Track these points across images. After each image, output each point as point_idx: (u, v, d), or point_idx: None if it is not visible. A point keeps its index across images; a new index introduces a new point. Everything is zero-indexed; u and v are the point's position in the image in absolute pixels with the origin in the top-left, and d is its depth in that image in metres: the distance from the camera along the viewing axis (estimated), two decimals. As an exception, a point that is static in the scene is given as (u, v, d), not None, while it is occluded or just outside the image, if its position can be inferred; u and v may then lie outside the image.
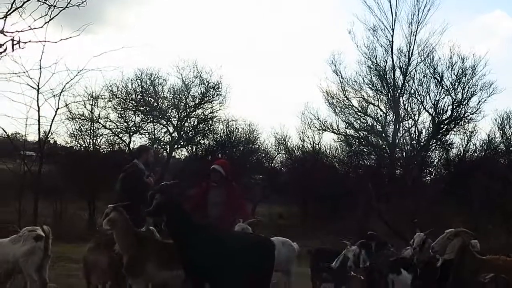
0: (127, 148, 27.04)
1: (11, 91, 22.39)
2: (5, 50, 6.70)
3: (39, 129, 21.66)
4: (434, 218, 21.11)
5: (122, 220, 7.90)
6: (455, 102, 25.75)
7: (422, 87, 26.24)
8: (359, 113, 27.32)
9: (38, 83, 20.39)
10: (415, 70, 26.35)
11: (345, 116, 27.50)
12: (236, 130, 29.07)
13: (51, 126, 22.29)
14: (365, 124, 27.40)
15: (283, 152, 30.36)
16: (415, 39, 26.25)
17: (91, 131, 26.48)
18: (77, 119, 25.96)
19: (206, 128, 28.23)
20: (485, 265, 7.51)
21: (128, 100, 26.91)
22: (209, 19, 51.79)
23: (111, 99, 26.42)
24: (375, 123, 27.23)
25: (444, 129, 26.52)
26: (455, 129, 26.55)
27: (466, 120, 26.15)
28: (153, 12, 50.45)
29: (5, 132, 23.20)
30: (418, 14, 26.15)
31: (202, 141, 28.68)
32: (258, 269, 7.38)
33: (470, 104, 25.83)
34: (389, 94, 26.57)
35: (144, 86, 27.06)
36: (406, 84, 26.39)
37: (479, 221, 21.67)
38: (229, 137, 28.94)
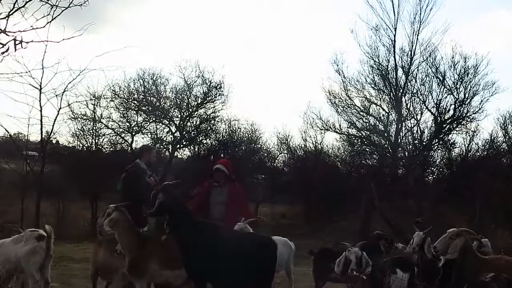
0: (129, 148, 27.06)
1: (14, 91, 22.40)
2: (7, 50, 6.69)
3: (41, 129, 21.66)
4: (437, 218, 21.14)
5: (124, 220, 7.92)
6: (457, 102, 25.69)
7: (424, 86, 26.19)
8: (361, 113, 27.28)
9: (41, 83, 20.41)
10: (417, 70, 26.30)
11: (347, 115, 27.47)
12: (238, 129, 29.09)
13: (53, 126, 22.31)
14: (367, 124, 27.37)
15: (286, 151, 30.34)
16: (417, 38, 26.22)
17: (94, 131, 26.50)
18: (79, 119, 25.99)
19: (209, 128, 28.22)
20: (487, 265, 7.52)
21: (131, 100, 26.92)
22: (211, 18, 51.81)
23: (114, 99, 26.42)
24: (377, 122, 27.20)
25: (446, 129, 26.46)
26: (457, 129, 26.50)
27: (469, 120, 26.09)
28: (155, 11, 50.55)
29: (8, 132, 23.21)
30: (420, 13, 26.11)
31: (205, 141, 28.66)
32: (260, 269, 7.39)
33: (473, 104, 25.77)
34: (392, 94, 26.54)
35: (147, 86, 27.07)
36: (408, 83, 26.35)
37: (482, 220, 21.66)
38: (232, 137, 28.92)
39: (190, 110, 27.25)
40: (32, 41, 6.86)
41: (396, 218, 19.32)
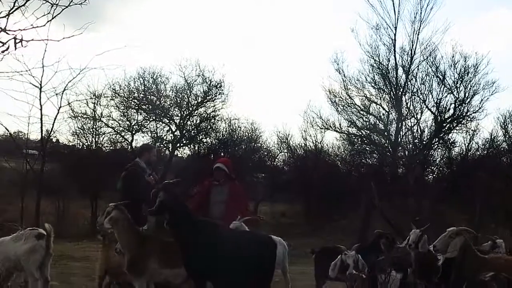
0: (129, 146, 27.09)
1: (14, 89, 22.40)
2: (7, 49, 6.69)
3: (41, 127, 21.62)
4: (437, 217, 21.14)
5: (124, 218, 7.92)
6: (457, 101, 25.71)
7: (425, 85, 26.21)
8: (361, 112, 27.31)
9: (41, 82, 20.36)
10: (418, 69, 26.32)
11: (347, 114, 27.49)
12: (239, 128, 29.11)
13: (53, 124, 22.27)
14: (367, 123, 27.39)
15: (286, 150, 30.37)
16: (417, 37, 26.24)
17: (94, 129, 26.54)
18: (79, 118, 26.02)
19: (209, 127, 28.24)
20: (487, 264, 7.52)
21: (131, 99, 26.94)
22: (211, 17, 51.84)
23: (114, 97, 26.46)
24: (377, 121, 27.22)
25: (446, 128, 26.48)
26: (457, 128, 26.53)
27: (469, 119, 26.11)
28: (155, 10, 50.55)
29: (8, 131, 23.20)
30: (420, 12, 26.13)
31: (205, 140, 28.68)
32: (260, 268, 7.39)
33: (473, 103, 25.79)
34: (392, 93, 26.55)
35: (147, 85, 27.09)
36: (409, 82, 26.37)
37: (482, 219, 21.65)
38: (232, 136, 28.94)
39: (190, 109, 27.27)
40: (32, 39, 6.86)
41: (396, 217, 19.29)
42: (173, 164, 27.61)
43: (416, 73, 26.30)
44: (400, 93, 26.36)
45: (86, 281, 11.76)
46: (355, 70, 31.70)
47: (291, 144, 29.78)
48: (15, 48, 6.63)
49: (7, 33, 6.67)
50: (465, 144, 26.77)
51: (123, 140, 27.48)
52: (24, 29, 6.69)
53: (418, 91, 26.25)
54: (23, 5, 6.83)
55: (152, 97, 27.12)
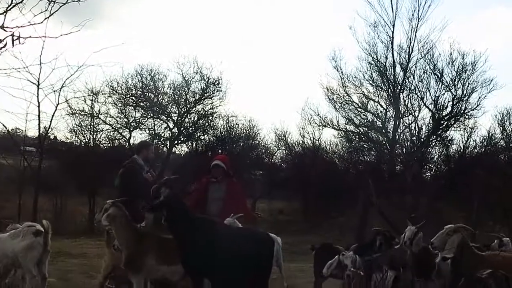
0: (127, 143, 27.04)
1: (12, 86, 22.34)
2: (5, 46, 6.71)
3: (39, 124, 21.69)
4: (434, 214, 21.15)
5: (121, 215, 7.92)
6: (455, 98, 25.72)
7: (422, 83, 26.23)
8: (359, 109, 27.33)
9: (38, 79, 20.42)
10: (415, 66, 26.35)
11: (345, 112, 27.51)
12: (236, 126, 29.08)
13: (51, 121, 22.34)
14: (365, 120, 27.41)
15: (283, 148, 30.35)
16: (415, 35, 26.26)
17: (91, 126, 26.49)
18: (77, 115, 25.99)
19: (206, 124, 28.22)
20: (484, 261, 7.53)
21: (128, 96, 26.92)
22: (209, 14, 51.73)
23: (111, 94, 26.43)
24: (375, 119, 27.25)
25: (444, 125, 26.49)
26: (455, 125, 26.52)
27: (466, 116, 26.12)
28: (153, 7, 50.39)
29: (5, 128, 23.25)
30: (418, 10, 26.13)
31: (202, 137, 28.65)
32: (257, 265, 7.39)
33: (470, 100, 25.81)
34: (389, 90, 26.57)
35: (145, 82, 27.08)
36: (406, 80, 26.38)
37: (479, 217, 21.68)
38: (229, 133, 28.92)
39: (188, 106, 27.26)
40: (30, 36, 6.88)
41: (393, 214, 19.27)
42: (170, 161, 27.59)
43: (414, 70, 26.36)
44: (398, 90, 26.37)
45: (84, 278, 11.76)
46: (353, 67, 31.67)
47: (289, 142, 29.81)
48: (13, 45, 6.65)
49: (4, 30, 6.69)
50: (462, 142, 26.80)
51: (120, 137, 27.47)
52: (21, 26, 6.71)
53: (416, 88, 26.29)
54: (21, 2, 6.84)
55: (150, 94, 27.11)
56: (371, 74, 26.92)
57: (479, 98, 25.63)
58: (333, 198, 26.49)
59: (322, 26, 48.55)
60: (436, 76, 25.90)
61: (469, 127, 26.42)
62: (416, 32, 26.21)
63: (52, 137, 26.80)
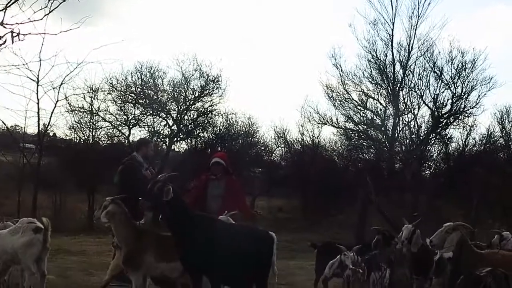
0: (126, 141, 27.02)
1: (11, 83, 22.35)
2: (4, 42, 6.69)
3: (38, 121, 21.65)
4: (433, 212, 21.18)
5: (121, 212, 7.93)
6: (454, 96, 25.72)
7: (422, 81, 26.20)
8: (358, 107, 27.30)
9: (38, 76, 20.37)
10: (415, 64, 26.30)
11: (344, 109, 27.48)
12: (236, 123, 29.08)
13: (50, 118, 22.29)
14: (364, 118, 27.38)
15: (283, 145, 30.36)
16: (415, 33, 26.22)
17: (91, 123, 26.47)
18: (76, 112, 25.95)
19: (206, 121, 28.22)
20: (483, 259, 7.53)
21: (128, 93, 26.90)
22: (209, 12, 51.71)
23: (111, 91, 26.41)
24: (374, 116, 27.23)
25: (443, 123, 26.48)
26: (454, 123, 26.52)
27: (466, 114, 26.10)
28: (153, 4, 50.32)
29: (5, 125, 23.23)
30: (418, 8, 26.09)
31: (202, 134, 28.65)
32: (257, 263, 7.39)
33: (470, 98, 25.79)
34: (389, 88, 26.55)
35: (144, 79, 27.06)
36: (406, 78, 26.36)
37: (479, 215, 21.71)
38: (229, 130, 28.92)
39: (188, 103, 27.25)
40: (29, 33, 6.86)
41: (392, 212, 19.32)
42: (170, 158, 27.59)
43: (414, 68, 26.33)
44: (397, 88, 26.35)
45: (83, 275, 11.76)
46: (352, 65, 31.70)
47: (288, 139, 29.80)
48: (12, 42, 6.64)
49: (4, 26, 6.67)
50: (462, 140, 26.80)
51: (120, 134, 27.45)
52: (21, 23, 6.69)
53: (416, 86, 26.27)
54: (20, -2, 6.83)
55: (149, 91, 27.09)
56: (371, 72, 26.92)
57: (479, 96, 25.65)
58: (332, 195, 26.52)
59: (321, 23, 48.59)
60: (435, 74, 25.91)
61: (469, 125, 26.45)
62: (415, 30, 26.20)
63: (51, 134, 26.85)
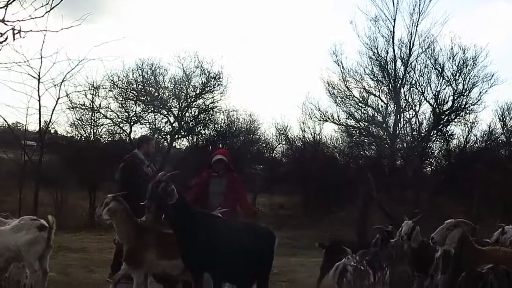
0: (127, 138, 27.07)
1: (12, 80, 22.34)
2: (6, 39, 6.68)
3: (39, 118, 21.66)
4: (435, 209, 21.17)
5: (122, 210, 7.93)
6: (456, 93, 25.74)
7: (423, 77, 26.24)
8: (360, 104, 27.34)
9: (39, 73, 20.38)
10: (416, 61, 26.36)
11: (346, 106, 27.54)
12: (237, 120, 29.14)
13: (51, 115, 22.32)
14: (365, 115, 27.42)
15: (284, 142, 30.38)
16: (416, 29, 26.26)
17: (92, 121, 26.53)
18: (78, 109, 26.02)
19: (207, 118, 28.25)
20: (485, 256, 7.52)
21: (129, 90, 26.94)
22: (210, 9, 51.63)
23: (112, 89, 26.46)
24: (376, 113, 27.26)
25: (445, 120, 26.51)
26: (456, 120, 26.57)
27: (467, 111, 26.17)
28: (154, 2, 50.30)
29: (6, 122, 23.25)
30: (419, 4, 26.15)
31: (203, 131, 28.71)
32: (259, 260, 7.39)
33: (471, 95, 25.86)
34: (390, 85, 26.57)
35: (145, 76, 27.10)
36: (407, 74, 26.39)
37: (480, 211, 21.70)
38: (230, 128, 28.95)
39: (189, 100, 27.28)
40: (30, 30, 6.85)
41: (394, 209, 19.31)
42: (171, 155, 27.63)
43: (415, 65, 26.38)
44: (398, 85, 26.37)
45: (84, 273, 11.79)
46: (353, 62, 31.67)
47: (290, 136, 29.84)
48: (14, 39, 6.63)
49: (5, 24, 6.66)
50: (463, 136, 26.88)
51: (121, 132, 27.51)
52: (22, 20, 6.69)
53: (417, 83, 26.31)
54: (21, -5, 6.82)
55: (150, 88, 27.12)
56: (372, 68, 26.98)
57: (480, 93, 25.70)
58: (333, 192, 26.53)
59: (323, 20, 48.51)
60: (437, 71, 25.95)
61: (470, 122, 26.54)
62: (417, 26, 26.24)
63: (52, 131, 26.86)
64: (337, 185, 26.08)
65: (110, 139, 27.95)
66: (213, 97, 27.58)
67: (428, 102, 26.26)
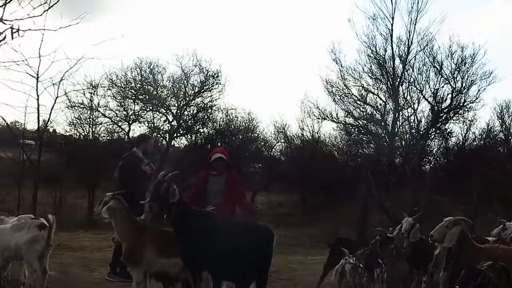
0: (126, 136, 27.02)
1: (10, 79, 22.25)
2: (4, 38, 6.69)
3: (38, 117, 21.60)
4: (433, 207, 21.18)
5: (121, 208, 7.93)
6: (454, 91, 25.74)
7: (422, 75, 26.23)
8: (358, 102, 27.33)
9: (38, 72, 20.30)
10: (415, 59, 26.33)
11: (344, 104, 27.52)
12: (236, 118, 29.04)
13: (50, 114, 22.25)
14: (364, 113, 27.41)
15: (283, 140, 30.34)
16: (414, 27, 26.23)
17: (91, 119, 26.45)
18: (76, 108, 25.94)
19: (206, 117, 28.19)
20: (484, 253, 7.53)
21: (128, 89, 26.89)
22: (208, 7, 51.60)
23: (111, 87, 26.40)
24: (374, 111, 27.26)
25: (443, 118, 26.52)
26: (454, 118, 26.58)
27: (466, 109, 26.17)
28: (152, 0, 50.26)
29: (4, 121, 23.22)
30: (418, 2, 26.12)
31: (202, 130, 28.63)
32: (257, 258, 7.40)
33: (470, 93, 25.85)
34: (389, 83, 26.56)
35: (144, 75, 27.04)
36: (406, 72, 26.38)
37: (479, 209, 21.70)
38: (229, 126, 28.89)
39: (187, 99, 27.23)
40: (29, 29, 6.87)
41: (393, 207, 19.33)
42: (170, 154, 27.58)
43: (413, 63, 26.36)
44: (397, 83, 26.37)
45: (83, 271, 11.78)
46: (352, 60, 31.79)
47: (288, 134, 29.77)
48: (12, 38, 6.64)
49: (3, 23, 6.68)
50: (462, 134, 26.89)
51: (120, 130, 27.44)
52: (20, 19, 6.70)
53: (415, 81, 26.29)
54: (20, -6, 6.82)
55: (149, 87, 27.09)
56: (370, 66, 26.94)
57: (479, 90, 25.71)
58: (332, 191, 26.50)
59: (321, 18, 48.49)
60: (435, 69, 25.93)
61: (469, 120, 26.54)
62: (415, 24, 26.21)
63: (51, 130, 26.82)
64: (335, 183, 26.06)
65: (108, 138, 27.89)
66: (211, 96, 27.56)
67: (427, 100, 26.28)
